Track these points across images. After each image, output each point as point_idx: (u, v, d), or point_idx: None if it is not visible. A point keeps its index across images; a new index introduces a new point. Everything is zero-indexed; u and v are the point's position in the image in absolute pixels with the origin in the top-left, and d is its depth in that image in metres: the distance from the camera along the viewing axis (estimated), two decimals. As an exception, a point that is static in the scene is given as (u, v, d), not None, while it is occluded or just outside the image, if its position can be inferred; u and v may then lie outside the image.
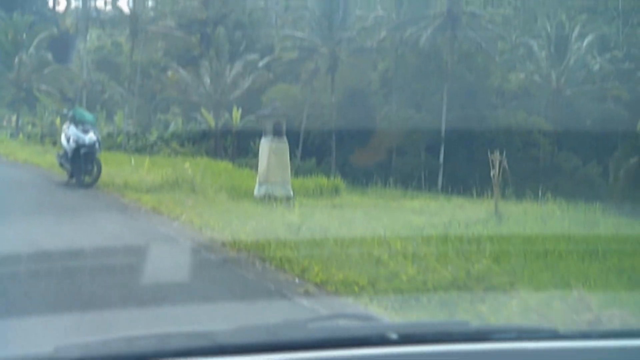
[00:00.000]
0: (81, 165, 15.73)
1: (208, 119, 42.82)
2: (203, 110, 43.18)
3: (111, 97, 48.73)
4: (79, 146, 15.75)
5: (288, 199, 15.24)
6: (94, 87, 48.28)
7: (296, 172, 34.81)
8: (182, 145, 40.87)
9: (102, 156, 16.89)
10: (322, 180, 20.52)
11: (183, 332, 2.64)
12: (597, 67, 39.59)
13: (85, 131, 16.01)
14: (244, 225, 10.30)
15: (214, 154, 41.26)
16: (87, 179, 15.85)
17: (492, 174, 16.83)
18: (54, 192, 15.72)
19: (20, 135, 38.26)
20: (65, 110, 18.70)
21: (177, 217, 11.63)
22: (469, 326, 2.97)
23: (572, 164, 38.92)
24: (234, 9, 50.54)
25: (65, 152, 16.25)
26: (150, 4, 46.64)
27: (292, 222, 10.36)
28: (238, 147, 43.56)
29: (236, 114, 43.22)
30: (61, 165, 16.67)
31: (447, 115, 39.74)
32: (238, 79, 43.65)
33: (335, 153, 40.25)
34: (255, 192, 15.28)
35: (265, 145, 15.27)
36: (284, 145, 15.49)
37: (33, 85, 42.67)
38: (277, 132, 15.68)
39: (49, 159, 21.21)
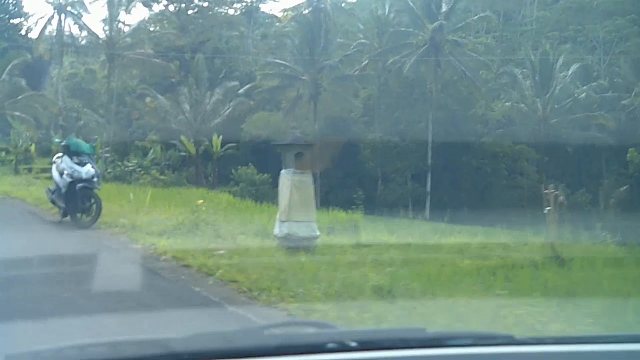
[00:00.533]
0: (77, 202, 12.92)
1: (188, 147, 39.83)
2: (183, 137, 40.18)
3: (86, 124, 45.47)
4: (74, 180, 12.95)
5: (314, 239, 12.26)
6: (68, 114, 45.12)
7: (279, 201, 32.37)
8: (162, 173, 37.78)
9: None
10: (340, 214, 17.61)
11: (136, 340, 2.49)
12: (582, 95, 37.71)
13: (82, 163, 13.20)
14: (311, 288, 7.37)
15: (195, 181, 38.29)
16: (84, 218, 13.00)
17: (545, 211, 14.03)
18: (47, 234, 12.41)
19: (-6, 163, 35.04)
20: (57, 140, 15.53)
21: (211, 272, 8.48)
22: (425, 333, 2.68)
23: (562, 192, 36.79)
24: (211, 36, 47.91)
25: (58, 188, 13.39)
26: (127, 30, 43.48)
27: (379, 286, 7.44)
28: (219, 174, 40.70)
29: (216, 141, 40.32)
30: (53, 202, 13.77)
31: (432, 144, 37.43)
32: (218, 106, 40.81)
33: (319, 181, 37.48)
34: (276, 230, 12.18)
35: (286, 179, 12.10)
36: (307, 178, 12.33)
37: (6, 111, 39.19)
38: (299, 164, 12.54)
39: (35, 192, 18.00)
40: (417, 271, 9.43)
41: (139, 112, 43.88)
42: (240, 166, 38.75)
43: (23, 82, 42.89)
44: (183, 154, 39.62)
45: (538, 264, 11.61)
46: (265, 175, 37.66)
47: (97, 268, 8.93)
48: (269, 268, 8.63)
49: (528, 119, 38.65)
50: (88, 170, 13.24)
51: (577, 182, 37.52)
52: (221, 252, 9.91)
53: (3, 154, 35.94)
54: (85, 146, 13.97)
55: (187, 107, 40.66)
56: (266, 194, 34.41)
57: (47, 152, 40.32)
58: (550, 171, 37.19)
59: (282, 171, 12.56)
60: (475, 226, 26.74)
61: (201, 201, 13.72)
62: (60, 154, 13.97)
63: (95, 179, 13.32)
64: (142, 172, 36.41)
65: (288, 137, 13.73)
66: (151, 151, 39.11)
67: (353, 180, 37.53)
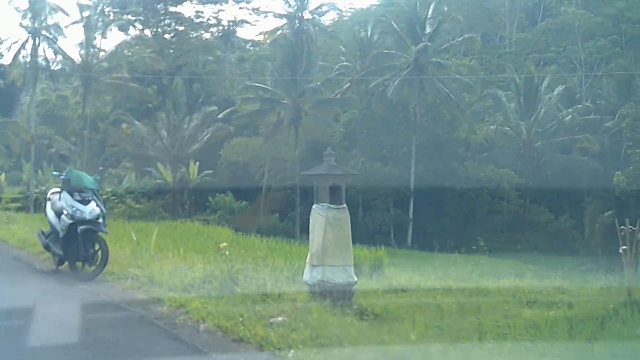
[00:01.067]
0: (79, 248, 11.05)
1: (165, 174, 39.85)
2: (159, 164, 40.22)
3: (58, 152, 45.51)
4: (76, 222, 11.13)
5: (351, 285, 11.04)
6: (40, 141, 45.05)
7: (258, 229, 32.17)
8: (137, 201, 37.74)
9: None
10: (364, 252, 16.63)
11: None
12: (567, 118, 38.14)
13: (85, 201, 11.35)
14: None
15: (170, 210, 38.30)
16: (87, 268, 11.09)
17: (621, 250, 12.53)
18: (41, 288, 10.14)
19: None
20: (55, 173, 13.86)
21: (280, 354, 6.46)
22: None
23: (545, 217, 37.11)
24: (188, 60, 48.24)
25: (54, 231, 11.60)
26: (103, 55, 43.62)
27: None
28: (195, 203, 40.72)
29: (193, 168, 40.38)
30: (47, 248, 11.91)
31: (415, 168, 37.65)
32: (196, 132, 40.88)
33: (299, 208, 37.56)
34: (306, 276, 10.51)
35: (319, 216, 10.35)
36: (344, 215, 10.49)
37: (-23, 140, 39.14)
38: (335, 198, 10.95)
39: (18, 231, 16.06)
40: (483, 323, 8.29)
41: (114, 138, 43.92)
42: (217, 194, 38.74)
43: (-6, 109, 42.93)
44: (159, 181, 39.60)
45: (620, 313, 9.91)
46: (244, 202, 37.72)
47: (116, 345, 7.00)
48: (357, 341, 6.79)
49: (512, 142, 39.03)
50: (92, 209, 11.35)
51: (564, 207, 37.86)
52: (280, 319, 7.95)
53: (-28, 183, 35.79)
54: (88, 180, 11.96)
55: (164, 133, 40.67)
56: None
57: (17, 182, 40.30)
58: (536, 196, 37.52)
59: (314, 206, 10.84)
60: (477, 255, 26.68)
61: (224, 244, 12.04)
62: (56, 190, 12.17)
63: (100, 220, 11.44)
64: (117, 201, 36.35)
65: (322, 165, 12.12)
66: (125, 179, 39.10)
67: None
